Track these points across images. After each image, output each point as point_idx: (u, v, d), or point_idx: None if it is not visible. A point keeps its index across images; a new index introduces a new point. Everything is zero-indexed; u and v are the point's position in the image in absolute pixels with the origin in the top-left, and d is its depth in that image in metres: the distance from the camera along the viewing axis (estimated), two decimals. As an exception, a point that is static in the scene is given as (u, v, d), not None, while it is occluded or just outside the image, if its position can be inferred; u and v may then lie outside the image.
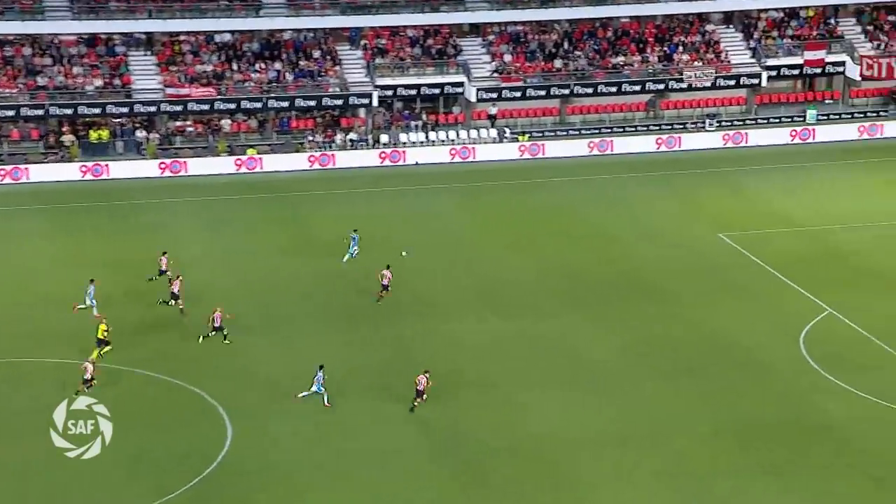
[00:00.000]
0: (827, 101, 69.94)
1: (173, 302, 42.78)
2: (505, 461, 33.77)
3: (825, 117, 68.17)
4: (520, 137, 66.32)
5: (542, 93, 67.21)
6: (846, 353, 40.14)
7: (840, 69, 69.13)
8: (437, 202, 58.12)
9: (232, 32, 67.05)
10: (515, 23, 69.38)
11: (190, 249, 50.33)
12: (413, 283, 46.54)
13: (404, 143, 65.47)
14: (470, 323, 42.99)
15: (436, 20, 68.39)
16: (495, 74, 67.38)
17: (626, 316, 43.45)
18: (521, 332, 42.37)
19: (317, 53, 67.22)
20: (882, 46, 69.43)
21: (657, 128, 67.64)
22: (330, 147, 64.66)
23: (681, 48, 69.06)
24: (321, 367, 36.91)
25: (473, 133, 66.45)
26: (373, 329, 42.31)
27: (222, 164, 62.91)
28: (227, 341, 40.38)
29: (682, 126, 67.56)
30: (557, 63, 68.13)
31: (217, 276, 46.74)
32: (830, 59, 68.65)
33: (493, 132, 66.57)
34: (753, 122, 68.15)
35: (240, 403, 36.58)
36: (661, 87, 67.84)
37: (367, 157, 64.14)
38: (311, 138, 64.92)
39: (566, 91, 67.40)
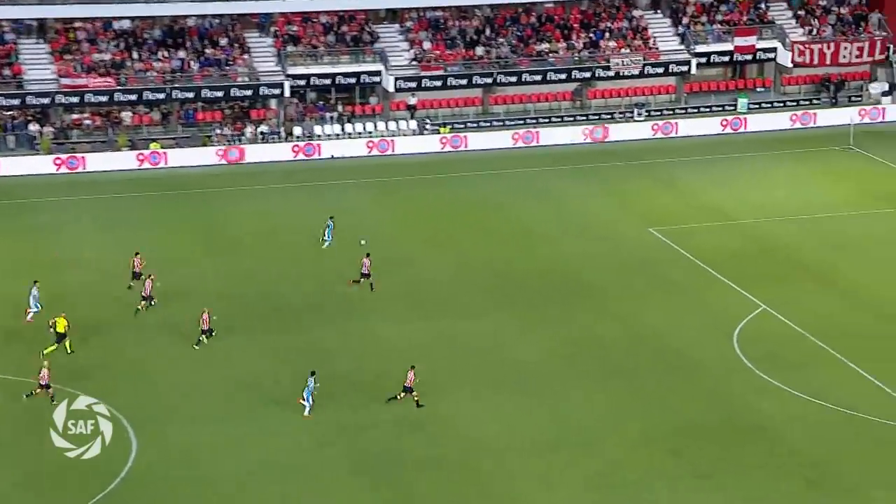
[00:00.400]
0: (758, 89, 71.17)
1: (144, 303, 43.08)
2: (429, 471, 33.77)
3: (757, 106, 69.35)
4: (441, 129, 66.41)
5: (464, 82, 67.37)
6: (780, 350, 40.89)
7: (771, 56, 70.37)
8: (354, 198, 57.95)
9: (132, 19, 66.07)
10: (434, 8, 69.43)
11: (87, 251, 49.58)
12: (332, 284, 46.37)
13: (319, 136, 65.16)
14: (392, 324, 42.94)
15: (350, 5, 68.14)
16: (414, 63, 67.38)
17: (554, 315, 43.75)
18: (445, 333, 42.44)
19: (224, 41, 66.56)
20: (814, 32, 70.83)
21: (584, 118, 68.23)
22: (239, 140, 64.13)
23: (607, 34, 69.73)
24: (312, 374, 36.59)
25: (392, 125, 66.37)
26: (289, 333, 42.02)
27: (123, 160, 62.02)
28: (204, 342, 40.55)
29: (609, 116, 68.24)
30: (479, 50, 68.36)
31: (117, 280, 46.00)
32: (761, 45, 69.84)
33: (413, 124, 66.57)
34: (683, 111, 69.09)
35: (145, 413, 36.12)
36: (588, 75, 68.44)
37: (279, 151, 63.73)
38: (218, 131, 64.28)
39: (489, 80, 67.66)
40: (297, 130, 65.11)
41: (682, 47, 69.86)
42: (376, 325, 43.00)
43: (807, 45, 69.31)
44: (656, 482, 33.18)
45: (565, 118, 68.16)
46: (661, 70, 68.93)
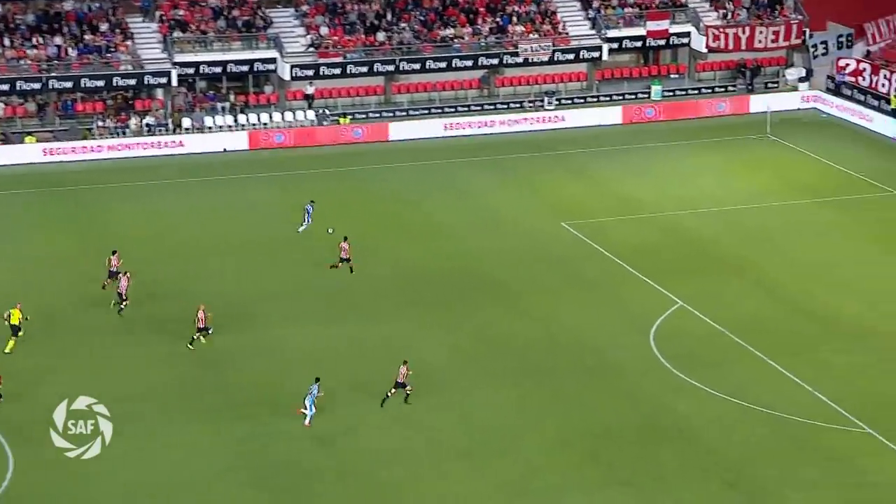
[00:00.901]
0: (672, 76, 72.62)
1: (122, 303, 43.61)
2: (332, 482, 34.11)
3: (671, 93, 70.82)
4: (341, 119, 66.59)
5: (365, 69, 67.57)
6: (697, 348, 42.03)
7: (685, 41, 71.84)
8: (250, 192, 57.89)
9: (2, 2, 65.02)
10: (332, -9, 69.64)
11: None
12: (226, 286, 46.35)
13: (210, 128, 64.91)
14: (290, 330, 43.09)
15: (241, -12, 68.06)
16: (311, 49, 67.43)
17: (465, 314, 44.35)
18: (350, 337, 42.75)
19: (104, 26, 65.89)
20: (728, 16, 72.50)
21: (492, 107, 68.98)
22: (123, 133, 63.58)
23: (515, 19, 70.56)
24: (317, 381, 36.76)
25: (289, 115, 66.36)
26: (180, 341, 41.94)
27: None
28: (202, 341, 41.34)
29: (518, 105, 69.09)
30: (380, 36, 68.67)
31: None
32: (674, 29, 71.24)
33: (311, 114, 66.64)
34: (595, 99, 70.25)
35: (21, 427, 35.96)
36: (495, 62, 69.18)
37: (167, 144, 63.33)
38: (100, 123, 63.66)
39: (391, 67, 67.99)
40: (186, 122, 64.76)
41: (593, 32, 71.00)
42: (279, 330, 43.12)
43: (721, 30, 70.95)
44: (573, 487, 33.98)
45: (472, 107, 68.84)
46: (571, 56, 69.94)
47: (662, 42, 71.54)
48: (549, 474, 34.60)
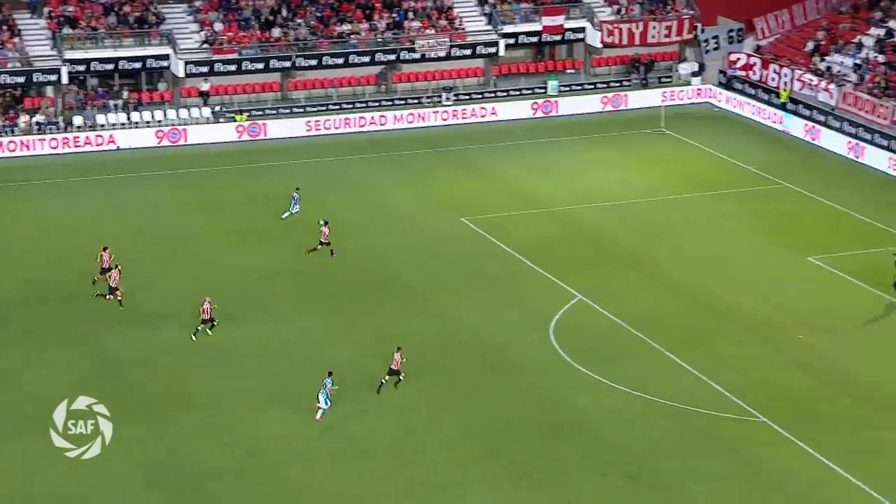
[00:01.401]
0: (568, 71, 73.24)
1: (111, 296, 43.68)
2: (230, 483, 33.80)
3: (567, 88, 71.39)
4: (237, 116, 65.92)
5: (260, 66, 67.00)
6: (597, 342, 42.40)
7: (580, 36, 72.52)
8: (144, 192, 57.02)
9: None
10: (226, -14, 68.88)
11: None
12: (121, 286, 45.59)
13: (102, 126, 63.76)
14: (186, 331, 42.49)
15: (133, -17, 66.97)
16: (205, 46, 66.62)
17: (365, 313, 44.17)
18: (249, 337, 42.33)
19: (-9, 22, 64.36)
20: (622, 11, 73.31)
21: (390, 102, 68.86)
22: (11, 132, 62.15)
23: (411, 15, 70.51)
24: (330, 374, 36.84)
25: (184, 112, 65.48)
26: (65, 344, 41.16)
27: None
28: (209, 333, 41.69)
29: (416, 101, 69.06)
30: (276, 32, 68.09)
31: None
32: (569, 25, 71.85)
33: (207, 111, 65.85)
34: (493, 94, 70.54)
35: None
36: (393, 57, 69.08)
37: (58, 142, 62.08)
38: (-12, 122, 62.26)
39: (287, 64, 67.47)
40: (78, 120, 63.53)
41: (490, 28, 71.26)
42: (173, 332, 42.50)
43: (615, 25, 71.68)
44: (474, 483, 34.03)
45: (370, 103, 68.64)
46: (468, 52, 70.10)
47: (558, 37, 72.08)
48: (450, 470, 34.62)
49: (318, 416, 36.61)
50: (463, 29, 70.80)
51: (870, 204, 54.91)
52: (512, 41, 71.00)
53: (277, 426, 36.69)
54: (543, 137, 65.53)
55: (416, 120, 67.50)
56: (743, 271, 48.16)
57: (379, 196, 56.60)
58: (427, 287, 46.67)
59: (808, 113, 64.98)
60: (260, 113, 66.74)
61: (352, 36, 68.95)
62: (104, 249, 45.69)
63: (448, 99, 68.99)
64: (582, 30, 72.26)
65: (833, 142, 62.67)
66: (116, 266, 44.59)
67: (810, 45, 69.02)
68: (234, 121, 65.64)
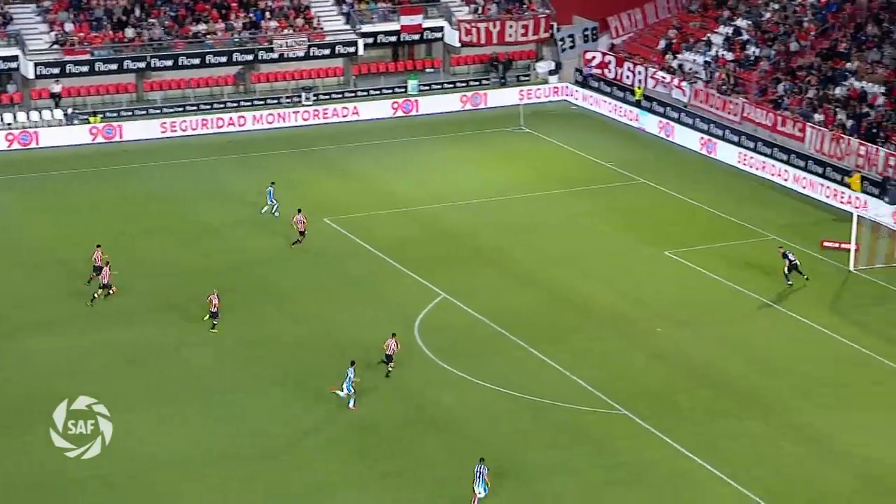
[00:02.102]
0: (428, 70, 73.60)
1: (104, 291, 43.94)
2: (95, 492, 33.34)
3: (427, 87, 71.73)
4: (91, 118, 64.61)
5: (114, 67, 65.84)
6: (461, 339, 42.76)
7: (438, 35, 72.95)
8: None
9: None
10: (76, -15, 67.45)
11: None
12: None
13: (-51, 130, 62.01)
14: (48, 338, 41.57)
15: (-22, -18, 65.15)
16: (56, 46, 65.10)
17: (231, 315, 43.74)
18: (111, 343, 41.65)
19: None
20: (479, 10, 73.96)
21: (249, 103, 68.27)
22: None
23: (268, 14, 70.01)
24: (352, 363, 37.32)
25: (34, 115, 63.95)
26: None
27: None
28: (213, 330, 42.02)
29: (276, 101, 68.60)
30: (129, 32, 66.90)
31: None
32: (428, 24, 72.25)
33: (59, 113, 64.39)
34: (353, 94, 70.46)
35: None
36: (251, 58, 68.51)
37: None
38: None
39: (142, 64, 66.40)
40: (-77, 124, 61.59)
41: (348, 27, 71.19)
42: (27, 340, 41.51)
43: (473, 24, 72.32)
44: (340, 484, 34.08)
45: (228, 104, 67.95)
46: (327, 51, 69.93)
47: (417, 37, 72.40)
48: (315, 473, 34.58)
49: (351, 404, 37.38)
50: (321, 28, 70.58)
51: (723, 198, 56.48)
52: (371, 41, 71.06)
53: (142, 434, 36.09)
54: (405, 137, 65.75)
55: (277, 120, 67.07)
56: (602, 266, 49.08)
57: (240, 197, 56.06)
58: (293, 288, 46.42)
59: (661, 110, 66.49)
60: (115, 115, 65.53)
61: (208, 36, 68.15)
62: (97, 247, 45.48)
63: (308, 99, 68.69)
64: (440, 29, 72.71)
65: (686, 138, 64.28)
66: (107, 263, 44.59)
67: (662, 44, 70.67)
68: (88, 122, 64.31)
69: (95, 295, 44.26)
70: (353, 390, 37.42)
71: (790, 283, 46.64)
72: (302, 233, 49.63)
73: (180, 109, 66.70)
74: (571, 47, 73.21)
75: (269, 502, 33.28)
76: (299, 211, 49.67)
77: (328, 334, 42.89)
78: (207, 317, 42.54)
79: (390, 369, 39.34)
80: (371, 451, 35.75)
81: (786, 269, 46.65)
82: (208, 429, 36.56)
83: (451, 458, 35.43)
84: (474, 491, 32.95)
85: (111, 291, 44.48)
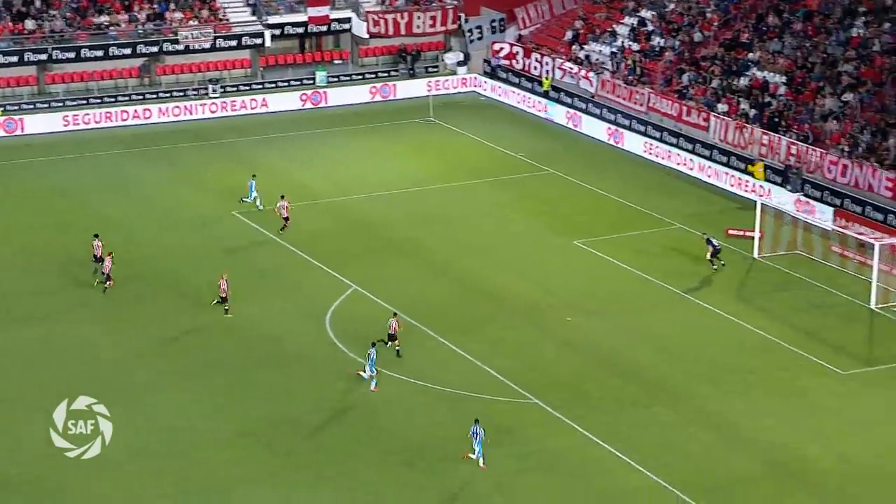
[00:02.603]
0: (336, 62, 73.36)
1: (107, 283, 44.17)
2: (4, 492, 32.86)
3: (336, 79, 71.51)
4: (-9, 112, 63.53)
5: (14, 59, 64.79)
6: (373, 331, 42.62)
7: (346, 27, 72.77)
8: None
9: None
10: (-29, -23, 66.13)
11: None
12: None
13: None
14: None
15: None
16: (-46, 38, 63.85)
17: (141, 311, 43.37)
18: (13, 340, 41.17)
19: None
20: (386, 2, 73.88)
21: (154, 96, 67.47)
22: None
23: (173, 5, 69.24)
24: (374, 344, 38.35)
25: (-68, 109, 62.68)
26: None
27: None
28: (228, 314, 42.63)
29: (182, 93, 67.89)
30: (30, 24, 65.74)
31: None
32: (335, 15, 72.04)
33: (-42, 107, 63.20)
34: (260, 86, 69.97)
35: None
36: (155, 49, 67.72)
37: None
38: None
39: (43, 56, 65.32)
40: None
41: (255, 18, 70.68)
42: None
43: (381, 15, 72.26)
44: (252, 480, 33.92)
45: (133, 96, 67.08)
46: (234, 43, 69.41)
47: (324, 28, 72.15)
48: (227, 468, 34.41)
49: (373, 386, 38.04)
50: (227, 20, 69.97)
51: (630, 188, 57.15)
52: (278, 32, 70.67)
53: (41, 431, 35.53)
54: (314, 129, 65.49)
55: (183, 113, 66.40)
56: (512, 256, 49.42)
57: (147, 191, 55.49)
58: (203, 283, 45.97)
59: (569, 101, 67.08)
60: (16, 108, 64.33)
61: (111, 27, 67.21)
62: (95, 237, 45.20)
63: (215, 91, 68.09)
64: (348, 20, 72.55)
65: (594, 128, 64.92)
66: (110, 253, 44.70)
67: (569, 35, 71.26)
68: (-11, 116, 63.20)
69: (105, 286, 44.51)
70: (375, 371, 38.06)
71: (714, 267, 47.50)
72: (286, 218, 49.76)
73: (83, 102, 65.74)
74: (479, 38, 73.46)
75: (179, 497, 33.02)
76: (283, 197, 49.94)
77: (238, 328, 42.63)
78: (215, 301, 42.83)
79: (398, 348, 40.01)
80: (282, 444, 35.65)
81: (709, 254, 47.57)
82: (116, 425, 36.04)
83: (363, 450, 35.46)
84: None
85: (108, 285, 44.33)
